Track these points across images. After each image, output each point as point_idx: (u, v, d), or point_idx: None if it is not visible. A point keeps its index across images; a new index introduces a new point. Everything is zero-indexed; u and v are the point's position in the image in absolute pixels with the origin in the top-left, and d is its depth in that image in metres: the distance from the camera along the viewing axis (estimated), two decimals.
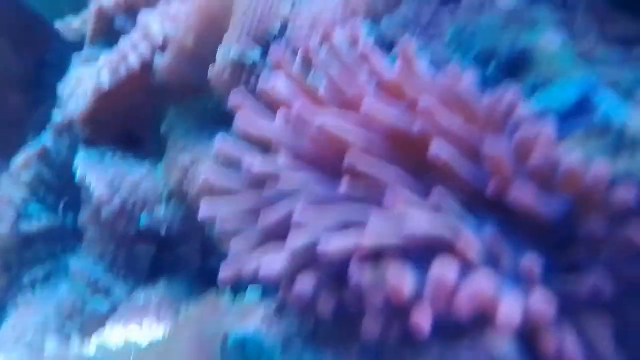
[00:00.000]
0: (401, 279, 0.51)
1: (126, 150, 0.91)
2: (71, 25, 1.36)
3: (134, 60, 0.87)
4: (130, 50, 0.88)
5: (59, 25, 1.34)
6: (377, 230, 0.53)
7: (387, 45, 0.77)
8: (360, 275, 0.54)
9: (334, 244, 0.54)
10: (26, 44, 1.24)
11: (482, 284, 0.50)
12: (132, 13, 0.98)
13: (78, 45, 1.27)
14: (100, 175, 0.89)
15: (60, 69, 1.27)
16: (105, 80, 0.89)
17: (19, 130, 1.23)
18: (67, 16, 1.46)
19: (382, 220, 0.54)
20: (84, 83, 0.93)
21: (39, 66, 1.24)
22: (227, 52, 0.80)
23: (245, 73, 0.79)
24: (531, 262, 0.52)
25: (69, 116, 0.94)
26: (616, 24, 0.69)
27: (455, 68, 0.61)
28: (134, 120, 0.92)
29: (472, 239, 0.53)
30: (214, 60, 0.83)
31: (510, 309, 0.50)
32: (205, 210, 0.63)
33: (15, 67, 1.23)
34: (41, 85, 1.26)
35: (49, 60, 1.24)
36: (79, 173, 0.92)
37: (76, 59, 1.02)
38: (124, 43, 0.90)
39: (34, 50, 1.24)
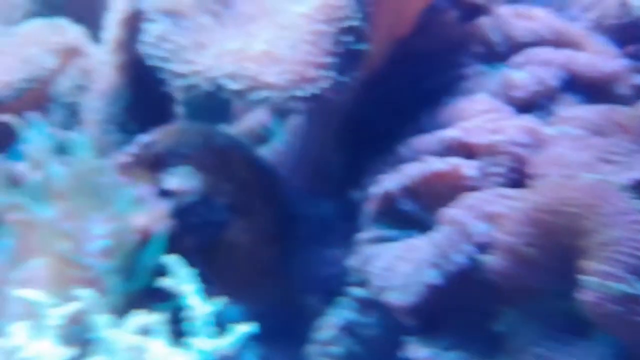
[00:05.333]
0: None
1: (461, 342, 0.88)
2: None
3: (460, 259, 0.83)
4: (451, 249, 0.84)
5: None
6: None
7: None
8: None
9: None
10: (272, 200, 1.21)
11: None
12: (416, 198, 0.93)
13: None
14: None
15: (306, 220, 1.25)
16: (437, 276, 0.84)
17: (275, 282, 1.21)
18: None
19: None
20: (400, 268, 0.89)
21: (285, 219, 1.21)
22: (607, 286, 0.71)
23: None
24: None
25: (386, 299, 0.89)
26: None
27: None
28: (462, 315, 0.88)
29: None
30: (553, 263, 0.78)
31: None
32: None
33: (265, 221, 1.21)
34: (286, 235, 1.23)
35: (294, 212, 1.22)
36: None
37: (363, 235, 0.98)
38: (441, 238, 0.85)
39: (280, 204, 1.21)
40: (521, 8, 1.19)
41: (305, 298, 1.18)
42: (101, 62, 1.28)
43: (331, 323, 1.00)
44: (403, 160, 1.05)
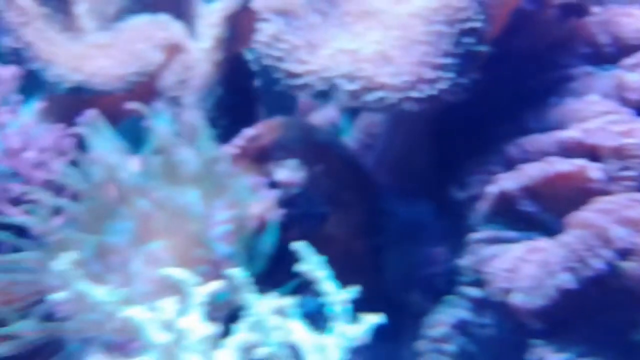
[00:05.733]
0: None
1: (595, 349, 0.87)
2: None
3: (598, 264, 0.81)
4: (588, 253, 0.83)
5: None
6: None
7: None
8: None
9: None
10: (365, 196, 1.22)
11: None
12: (536, 199, 0.92)
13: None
14: None
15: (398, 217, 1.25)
16: (571, 280, 0.82)
17: (368, 276, 1.22)
18: None
19: None
20: (525, 270, 0.87)
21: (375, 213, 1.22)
22: None
23: None
24: None
25: (510, 301, 0.86)
26: None
27: None
28: (596, 321, 0.84)
29: None
30: None
31: None
32: None
33: (359, 216, 1.21)
34: (378, 231, 1.24)
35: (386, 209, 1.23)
36: None
37: (476, 235, 0.98)
38: (574, 242, 0.83)
39: (373, 201, 1.22)
40: (624, 8, 1.17)
41: (403, 294, 1.19)
42: (198, 59, 1.30)
43: (442, 321, 0.99)
44: (512, 160, 1.04)
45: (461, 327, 0.98)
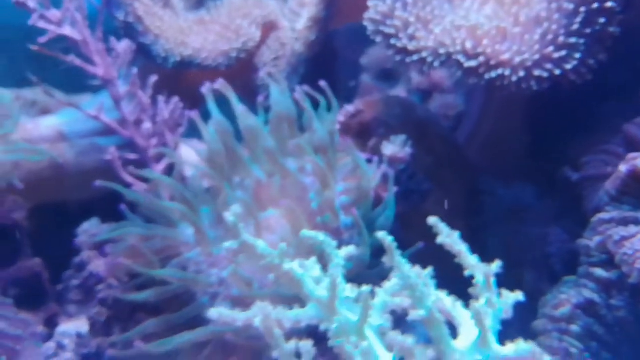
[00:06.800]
0: None
1: None
2: None
3: None
4: None
5: None
6: None
7: None
8: None
9: None
10: (463, 175, 1.20)
11: None
12: None
13: None
14: None
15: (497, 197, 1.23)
16: None
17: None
18: None
19: None
20: None
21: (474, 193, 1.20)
22: None
23: None
24: None
25: None
26: None
27: None
28: None
29: None
30: None
31: None
32: None
33: (457, 194, 1.19)
34: (478, 210, 1.22)
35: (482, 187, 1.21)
36: None
37: (604, 216, 0.94)
38: None
39: (470, 180, 1.20)
40: None
41: (511, 275, 1.17)
42: (289, 37, 1.27)
43: (566, 301, 0.97)
44: (633, 139, 1.01)
45: (587, 307, 0.94)
